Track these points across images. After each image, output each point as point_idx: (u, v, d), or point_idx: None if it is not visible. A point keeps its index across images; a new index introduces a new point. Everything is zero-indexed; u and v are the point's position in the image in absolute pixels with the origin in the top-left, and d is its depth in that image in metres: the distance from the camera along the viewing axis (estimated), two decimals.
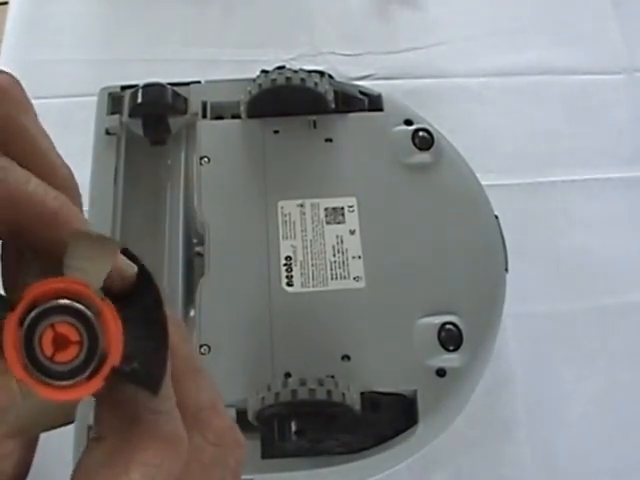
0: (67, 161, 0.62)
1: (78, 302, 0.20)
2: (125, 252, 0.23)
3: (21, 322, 0.20)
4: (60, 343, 0.20)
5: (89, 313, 0.20)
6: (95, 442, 0.22)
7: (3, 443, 0.21)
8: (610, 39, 0.66)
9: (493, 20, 0.67)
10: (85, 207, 0.47)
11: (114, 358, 0.20)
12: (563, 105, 0.63)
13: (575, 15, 0.67)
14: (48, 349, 0.20)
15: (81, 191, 0.49)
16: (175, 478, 0.22)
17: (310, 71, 0.49)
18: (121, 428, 0.22)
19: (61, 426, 0.22)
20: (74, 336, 0.20)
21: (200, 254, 0.46)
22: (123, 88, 0.50)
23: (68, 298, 0.20)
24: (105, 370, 0.20)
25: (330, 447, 0.42)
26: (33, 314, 0.20)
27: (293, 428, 0.40)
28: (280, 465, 0.42)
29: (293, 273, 0.44)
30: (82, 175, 0.48)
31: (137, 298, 0.22)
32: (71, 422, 0.23)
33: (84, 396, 0.20)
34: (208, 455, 0.24)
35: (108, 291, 0.21)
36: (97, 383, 0.20)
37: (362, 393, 0.41)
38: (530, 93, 0.63)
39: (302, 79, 0.48)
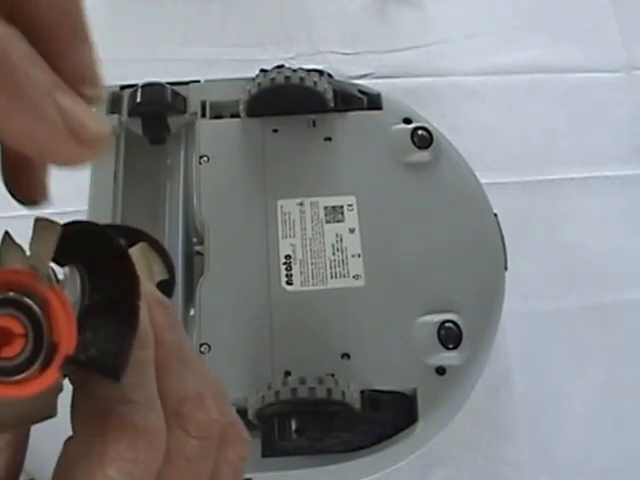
0: None
1: (23, 293, 0.19)
2: (101, 229, 0.22)
3: None
4: (5, 337, 0.19)
5: (31, 303, 0.19)
6: (70, 440, 0.22)
7: None
8: (609, 37, 0.66)
9: (492, 18, 0.67)
10: (85, 207, 0.47)
11: (66, 347, 0.19)
12: (562, 103, 0.63)
13: (574, 13, 0.67)
14: None
15: (81, 191, 0.49)
16: (155, 472, 0.21)
17: (309, 70, 0.49)
18: (94, 422, 0.21)
19: (42, 420, 0.22)
20: (18, 329, 0.19)
21: (200, 253, 0.46)
22: (122, 87, 0.50)
23: (10, 289, 0.19)
24: (57, 361, 0.19)
25: (330, 445, 0.42)
26: None
27: (293, 426, 0.40)
28: (280, 463, 0.42)
29: (293, 272, 0.44)
30: (82, 175, 0.48)
31: (108, 280, 0.21)
32: (52, 416, 0.22)
33: (41, 390, 0.19)
34: (192, 449, 0.23)
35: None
36: (52, 375, 0.19)
37: (362, 391, 0.41)
38: (529, 91, 0.63)
39: (301, 78, 0.48)
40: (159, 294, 0.25)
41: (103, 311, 0.21)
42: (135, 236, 0.29)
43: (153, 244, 0.29)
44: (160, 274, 0.29)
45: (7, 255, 0.20)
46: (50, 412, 0.22)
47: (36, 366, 0.19)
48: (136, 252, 0.28)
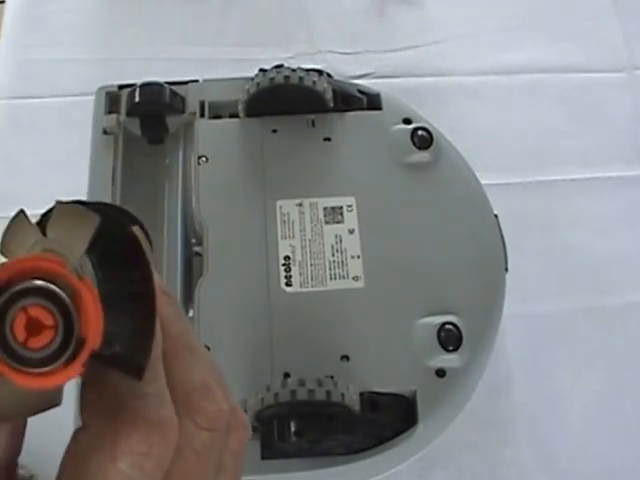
0: (65, 161, 0.61)
1: (52, 282, 0.19)
2: (121, 213, 0.21)
3: None
4: (33, 328, 0.18)
5: (64, 295, 0.19)
6: (80, 431, 0.21)
7: None
8: (610, 36, 0.66)
9: (492, 18, 0.66)
10: None
11: (93, 342, 0.19)
12: (563, 103, 0.62)
13: (575, 12, 0.67)
14: (21, 335, 0.18)
15: (79, 191, 0.49)
16: (166, 465, 0.21)
17: (308, 70, 0.49)
18: (106, 414, 0.21)
19: (46, 410, 0.21)
20: (48, 320, 0.18)
21: (199, 254, 0.46)
22: (121, 87, 0.50)
23: (41, 278, 0.19)
24: (83, 355, 0.19)
25: (329, 448, 0.41)
26: (3, 297, 0.18)
27: (292, 428, 0.40)
28: (279, 466, 0.41)
29: (292, 273, 0.44)
30: (80, 175, 0.48)
31: (124, 271, 0.20)
32: (57, 405, 0.21)
33: (61, 383, 0.19)
34: (201, 441, 0.23)
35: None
36: (75, 369, 0.19)
37: (361, 393, 0.41)
38: (529, 91, 0.63)
39: (300, 78, 0.47)
40: (161, 283, 0.24)
41: (120, 304, 0.20)
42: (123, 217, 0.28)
43: (141, 227, 0.28)
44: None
45: (21, 235, 0.19)
46: (57, 401, 0.21)
47: (62, 360, 0.19)
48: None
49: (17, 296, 0.18)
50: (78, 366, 0.19)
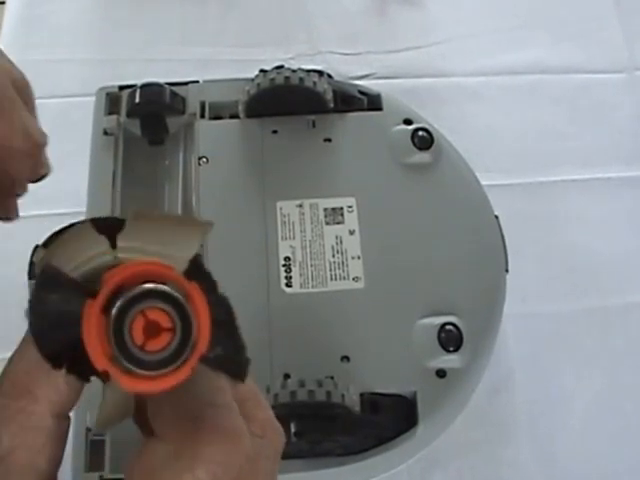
0: (65, 162, 0.61)
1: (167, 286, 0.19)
2: None
3: (104, 309, 0.18)
4: (151, 331, 0.19)
5: (182, 298, 0.19)
6: (155, 440, 0.22)
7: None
8: (611, 37, 0.66)
9: (493, 19, 0.66)
10: (83, 208, 0.47)
11: (203, 345, 0.19)
12: (564, 104, 0.62)
13: (576, 13, 0.66)
14: (139, 337, 0.18)
15: (79, 192, 0.49)
16: (235, 473, 0.22)
17: (309, 70, 0.49)
18: (182, 424, 0.21)
19: (123, 420, 0.21)
20: (167, 323, 0.19)
21: (198, 255, 0.46)
22: (121, 88, 0.50)
23: (154, 282, 0.19)
24: (194, 358, 0.19)
25: (330, 449, 0.41)
26: (122, 300, 0.18)
27: (292, 430, 0.40)
28: (279, 467, 0.41)
29: (292, 274, 0.44)
30: (80, 176, 0.48)
31: (200, 284, 0.20)
32: (130, 416, 0.22)
33: (172, 387, 0.19)
34: (253, 448, 0.23)
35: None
36: (186, 372, 0.19)
37: (362, 394, 0.41)
38: (530, 92, 0.63)
39: (301, 78, 0.47)
40: None
41: (214, 312, 0.20)
42: None
43: None
44: None
45: (152, 243, 0.19)
46: (132, 412, 0.21)
47: (179, 362, 0.19)
48: None
49: (134, 300, 0.19)
50: (189, 369, 0.19)
